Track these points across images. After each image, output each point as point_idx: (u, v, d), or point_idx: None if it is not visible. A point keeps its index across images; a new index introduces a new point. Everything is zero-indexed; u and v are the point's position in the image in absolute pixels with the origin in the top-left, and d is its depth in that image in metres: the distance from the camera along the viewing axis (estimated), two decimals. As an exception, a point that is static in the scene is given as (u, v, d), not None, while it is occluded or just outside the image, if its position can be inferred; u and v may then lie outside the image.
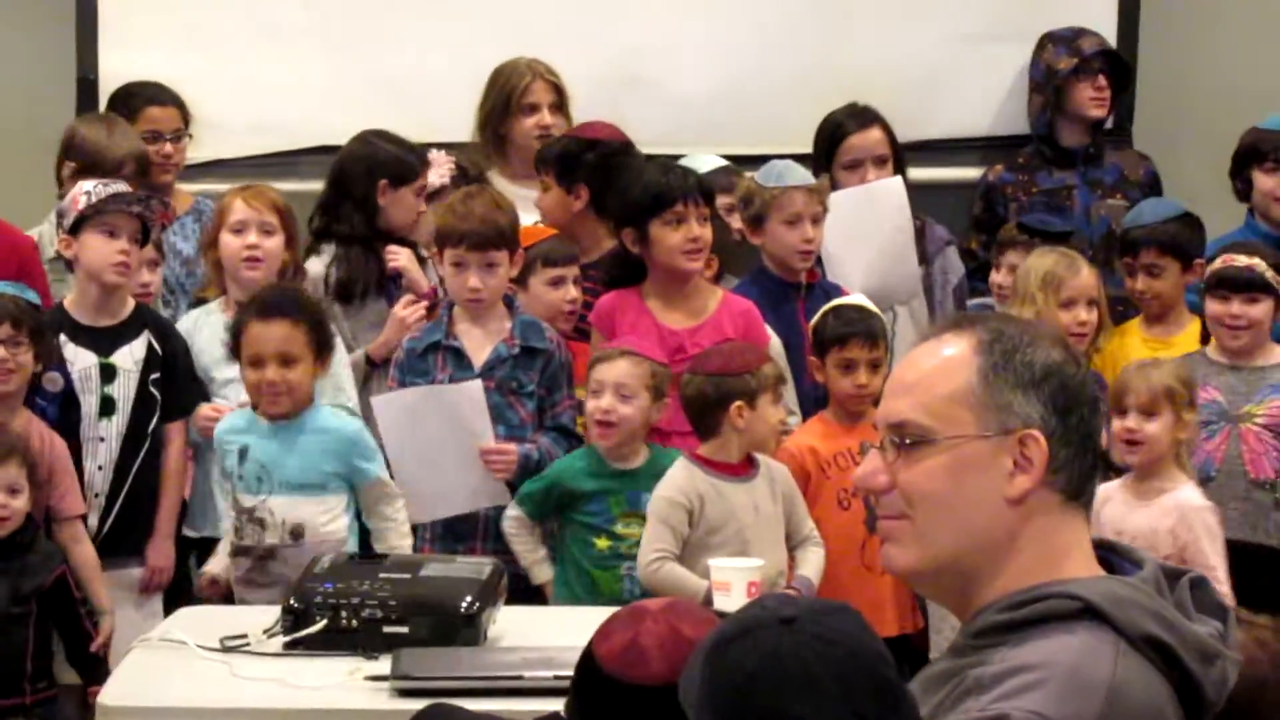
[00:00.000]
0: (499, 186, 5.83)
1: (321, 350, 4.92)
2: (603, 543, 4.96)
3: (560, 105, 6.17)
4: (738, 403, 4.77)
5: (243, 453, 4.89)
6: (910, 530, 2.36)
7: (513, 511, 5.08)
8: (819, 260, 5.69)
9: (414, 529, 5.08)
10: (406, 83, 6.55)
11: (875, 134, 6.10)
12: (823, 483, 5.09)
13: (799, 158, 5.88)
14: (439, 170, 5.98)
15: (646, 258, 5.35)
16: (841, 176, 6.04)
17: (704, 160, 5.95)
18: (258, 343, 4.87)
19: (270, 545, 4.84)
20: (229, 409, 5.16)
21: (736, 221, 5.71)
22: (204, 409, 5.32)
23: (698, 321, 5.31)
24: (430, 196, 5.84)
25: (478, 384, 5.12)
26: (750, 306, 5.38)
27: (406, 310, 5.55)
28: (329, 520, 4.86)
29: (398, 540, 4.94)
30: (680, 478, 4.79)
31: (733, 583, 4.35)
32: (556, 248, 5.52)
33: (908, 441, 2.34)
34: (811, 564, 4.88)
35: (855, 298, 5.33)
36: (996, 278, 5.83)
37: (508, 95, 6.14)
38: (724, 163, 6.03)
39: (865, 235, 5.80)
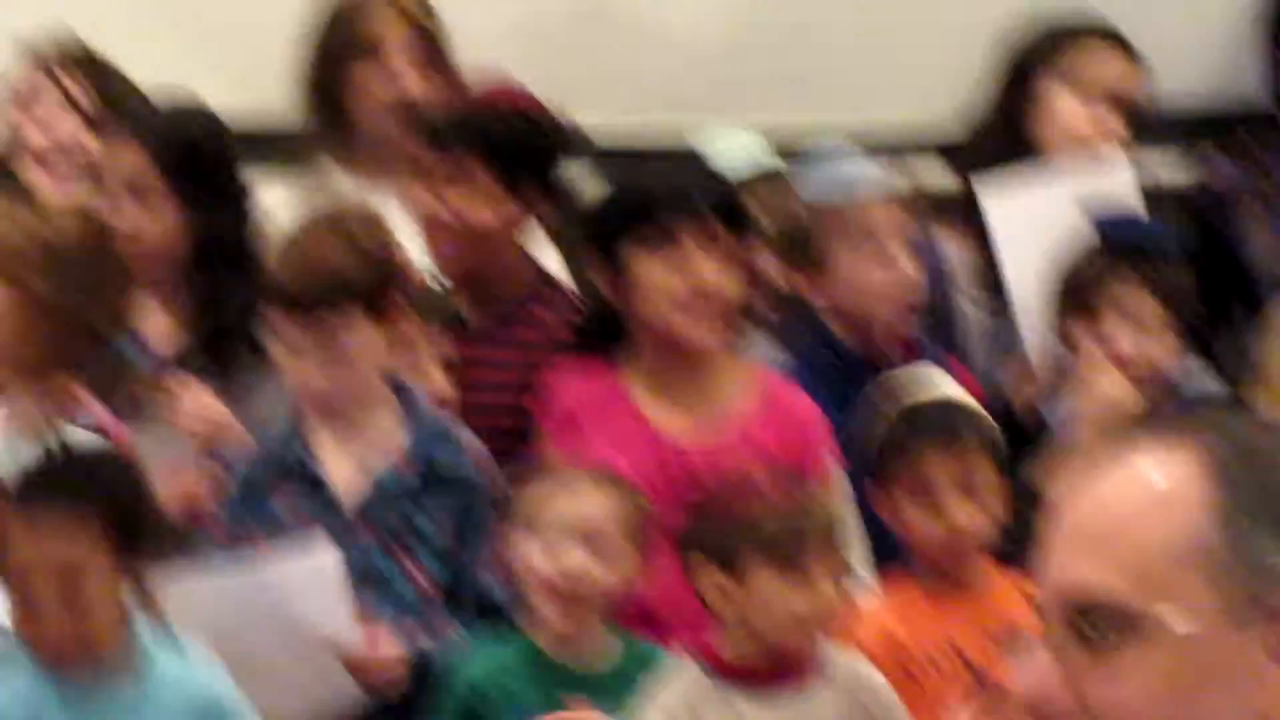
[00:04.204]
0: (344, 185, 4.24)
1: (129, 543, 3.15)
2: None
3: (428, 57, 4.43)
4: (711, 570, 3.32)
5: None
6: (1105, 786, 1.76)
7: None
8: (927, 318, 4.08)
9: None
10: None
11: None
12: (913, 700, 3.47)
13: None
14: None
15: (624, 307, 3.74)
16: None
17: (727, 144, 4.30)
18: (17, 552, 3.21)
19: None
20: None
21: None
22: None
23: (719, 431, 3.67)
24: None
25: (328, 561, 3.46)
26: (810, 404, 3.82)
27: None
28: None
29: None
30: (670, 695, 3.34)
31: None
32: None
33: (1102, 632, 1.74)
34: None
35: (941, 389, 3.73)
36: (1085, 342, 4.02)
37: (346, 32, 4.41)
38: (769, 166, 4.33)
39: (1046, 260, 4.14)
